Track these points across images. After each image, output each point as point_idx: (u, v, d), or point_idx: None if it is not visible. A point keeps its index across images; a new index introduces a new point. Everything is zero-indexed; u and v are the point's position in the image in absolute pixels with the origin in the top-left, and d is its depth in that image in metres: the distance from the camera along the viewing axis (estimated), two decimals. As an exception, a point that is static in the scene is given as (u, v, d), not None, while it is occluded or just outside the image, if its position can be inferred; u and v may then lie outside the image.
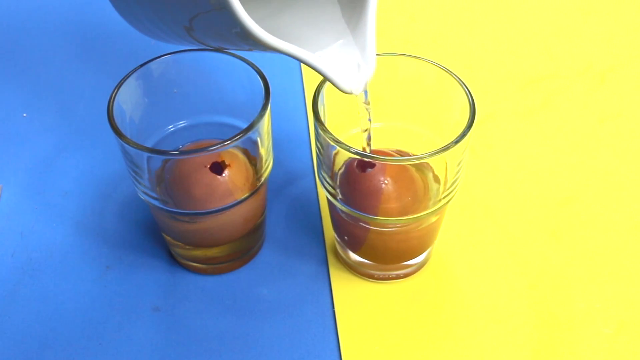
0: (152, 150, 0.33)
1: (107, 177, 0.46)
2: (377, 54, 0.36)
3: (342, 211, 0.36)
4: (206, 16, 0.26)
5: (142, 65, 0.36)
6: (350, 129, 0.38)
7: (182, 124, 0.39)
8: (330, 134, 0.32)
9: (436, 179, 0.36)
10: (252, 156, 0.36)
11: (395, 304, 0.38)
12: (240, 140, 0.33)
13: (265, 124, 0.35)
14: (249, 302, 0.39)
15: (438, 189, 0.36)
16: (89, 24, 0.58)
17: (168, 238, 0.39)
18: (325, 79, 0.31)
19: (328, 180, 0.35)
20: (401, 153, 0.38)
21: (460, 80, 0.34)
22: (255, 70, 0.36)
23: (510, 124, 0.48)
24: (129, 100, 0.36)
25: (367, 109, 0.33)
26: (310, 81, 0.52)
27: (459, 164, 0.34)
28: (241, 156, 0.37)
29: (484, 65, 0.53)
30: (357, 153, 0.32)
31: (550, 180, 0.45)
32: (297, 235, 0.42)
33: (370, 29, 0.31)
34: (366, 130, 0.34)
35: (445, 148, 0.32)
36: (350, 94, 0.32)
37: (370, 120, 0.34)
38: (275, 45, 0.27)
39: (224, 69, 0.37)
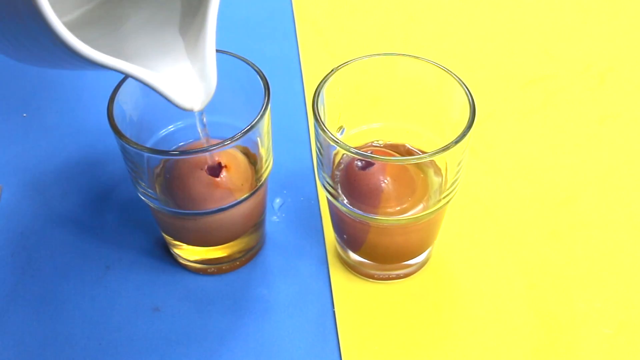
0: (152, 150, 0.33)
1: (107, 177, 0.46)
2: (377, 54, 0.36)
3: (342, 211, 0.36)
4: (19, 20, 0.25)
5: (142, 65, 0.36)
6: (350, 129, 0.38)
7: (182, 124, 0.39)
8: (330, 134, 0.32)
9: (437, 179, 0.36)
10: (252, 156, 0.36)
11: (395, 304, 0.38)
12: (240, 140, 0.33)
13: (265, 124, 0.35)
14: (249, 302, 0.39)
15: (438, 189, 0.36)
16: (89, 24, 0.58)
17: (168, 238, 0.39)
18: (162, 96, 0.30)
19: (328, 180, 0.35)
20: (409, 149, 0.38)
21: (460, 80, 0.34)
22: (255, 70, 0.36)
23: (510, 124, 0.48)
24: (129, 100, 0.36)
25: (202, 127, 0.34)
26: (310, 81, 0.52)
27: (459, 164, 0.34)
28: (241, 156, 0.37)
29: (484, 65, 0.53)
30: (357, 153, 0.32)
31: (550, 180, 0.45)
32: (297, 235, 0.42)
33: (209, 45, 0.31)
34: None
35: (445, 148, 0.32)
36: (191, 110, 0.31)
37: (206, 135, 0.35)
38: (96, 58, 0.26)
39: (224, 69, 0.37)
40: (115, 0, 0.33)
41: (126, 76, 0.35)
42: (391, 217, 0.35)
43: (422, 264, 0.40)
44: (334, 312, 0.38)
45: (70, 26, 0.26)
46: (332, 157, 0.34)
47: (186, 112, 0.39)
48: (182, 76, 0.31)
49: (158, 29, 0.32)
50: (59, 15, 0.24)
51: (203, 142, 0.39)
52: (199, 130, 0.34)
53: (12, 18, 0.25)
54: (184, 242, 0.39)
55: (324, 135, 0.33)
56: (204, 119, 0.34)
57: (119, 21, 0.32)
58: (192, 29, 0.32)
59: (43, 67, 0.30)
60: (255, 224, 0.39)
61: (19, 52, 0.28)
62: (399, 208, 0.35)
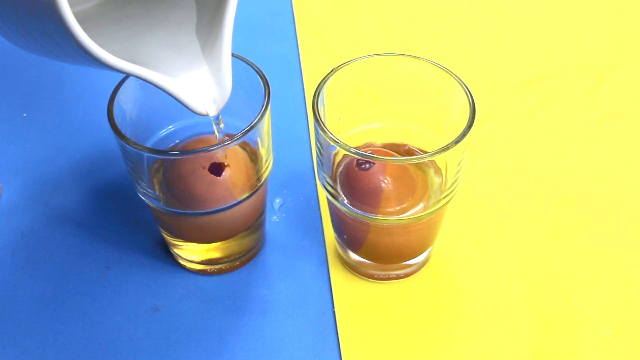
0: (152, 150, 0.33)
1: (107, 177, 0.46)
2: (377, 54, 0.36)
3: (342, 211, 0.36)
4: (40, 19, 0.25)
5: (142, 65, 0.36)
6: (350, 129, 0.38)
7: (182, 123, 0.39)
8: (330, 134, 0.32)
9: (437, 179, 0.36)
10: (253, 156, 0.36)
11: (395, 304, 0.38)
12: (240, 140, 0.33)
13: (265, 124, 0.35)
14: (249, 302, 0.39)
15: (438, 189, 0.36)
16: (89, 24, 0.58)
17: (168, 238, 0.39)
18: (177, 101, 0.31)
19: (328, 180, 0.35)
20: (409, 149, 0.38)
21: (460, 80, 0.34)
22: (255, 70, 0.36)
23: (510, 124, 0.48)
24: (129, 100, 0.36)
25: (218, 130, 0.34)
26: (310, 81, 0.52)
27: (459, 164, 0.34)
28: (241, 156, 0.37)
29: (484, 65, 0.53)
30: (357, 153, 0.32)
31: (550, 180, 0.45)
32: (297, 235, 0.42)
33: (226, 50, 0.31)
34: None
35: (445, 148, 0.32)
36: (206, 115, 0.32)
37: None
38: (113, 63, 0.26)
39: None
40: None
41: (127, 76, 0.35)
42: (391, 217, 0.35)
43: (422, 264, 0.40)
44: (334, 312, 0.38)
45: (82, 17, 0.26)
46: (332, 157, 0.34)
47: (187, 112, 0.39)
48: (198, 80, 0.31)
49: (173, 29, 0.32)
50: (72, 4, 0.24)
51: (203, 139, 0.39)
52: (215, 131, 0.34)
53: (31, 18, 0.25)
54: (183, 240, 0.39)
55: (324, 135, 0.33)
56: (221, 123, 0.34)
57: (132, 18, 0.32)
58: (209, 32, 0.32)
59: (48, 58, 0.30)
60: (255, 224, 0.39)
61: (29, 44, 0.28)
62: (399, 208, 0.35)
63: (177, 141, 0.39)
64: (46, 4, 0.23)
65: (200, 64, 0.32)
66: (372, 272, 0.39)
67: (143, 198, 0.36)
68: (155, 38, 0.32)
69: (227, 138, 0.33)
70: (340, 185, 0.36)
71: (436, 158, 0.34)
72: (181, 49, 0.32)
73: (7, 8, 0.25)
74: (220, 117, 0.34)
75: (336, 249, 0.41)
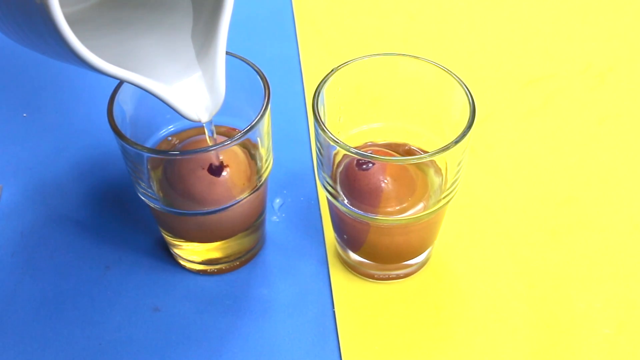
0: (152, 150, 0.33)
1: (107, 177, 0.46)
2: (377, 54, 0.36)
3: (342, 211, 0.36)
4: (33, 20, 0.25)
5: (142, 65, 0.36)
6: (350, 129, 0.38)
7: (182, 124, 0.39)
8: (330, 134, 0.32)
9: (437, 179, 0.36)
10: (252, 156, 0.36)
11: (395, 304, 0.38)
12: (240, 140, 0.33)
13: (265, 124, 0.35)
14: (249, 302, 0.39)
15: (438, 189, 0.36)
16: (89, 24, 0.58)
17: (168, 238, 0.39)
18: (170, 107, 0.31)
19: (328, 180, 0.35)
20: (409, 148, 0.38)
21: (460, 80, 0.34)
22: (255, 70, 0.36)
23: (510, 124, 0.48)
24: (129, 100, 0.36)
25: (211, 137, 0.34)
26: (310, 81, 0.52)
27: (459, 164, 0.34)
28: (241, 156, 0.37)
29: (484, 65, 0.53)
30: (357, 153, 0.32)
31: (550, 181, 0.45)
32: (297, 235, 0.42)
33: (220, 56, 0.31)
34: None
35: (445, 148, 0.32)
36: (199, 121, 0.32)
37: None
38: (105, 69, 0.26)
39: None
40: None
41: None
42: (391, 217, 0.35)
43: (422, 264, 0.40)
44: (334, 312, 0.38)
45: (76, 19, 0.25)
46: (332, 157, 0.34)
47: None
48: (191, 86, 0.31)
49: (167, 33, 0.32)
50: (65, 4, 0.24)
51: (204, 139, 0.39)
52: (207, 137, 0.34)
53: (24, 16, 0.25)
54: (183, 240, 0.39)
55: (324, 135, 0.33)
56: (212, 127, 0.34)
57: (126, 22, 0.32)
58: (204, 36, 0.32)
59: (43, 56, 0.30)
60: (255, 224, 0.39)
61: (23, 41, 0.28)
62: (398, 208, 0.35)
63: (169, 138, 0.39)
64: (38, 5, 0.23)
65: (194, 70, 0.32)
66: (372, 272, 0.39)
67: (143, 198, 0.36)
68: (149, 42, 0.32)
69: (226, 138, 0.33)
70: (340, 185, 0.36)
71: (436, 158, 0.34)
72: (175, 54, 0.32)
73: (1, 4, 0.25)
74: (212, 122, 0.34)
75: (336, 249, 0.41)
